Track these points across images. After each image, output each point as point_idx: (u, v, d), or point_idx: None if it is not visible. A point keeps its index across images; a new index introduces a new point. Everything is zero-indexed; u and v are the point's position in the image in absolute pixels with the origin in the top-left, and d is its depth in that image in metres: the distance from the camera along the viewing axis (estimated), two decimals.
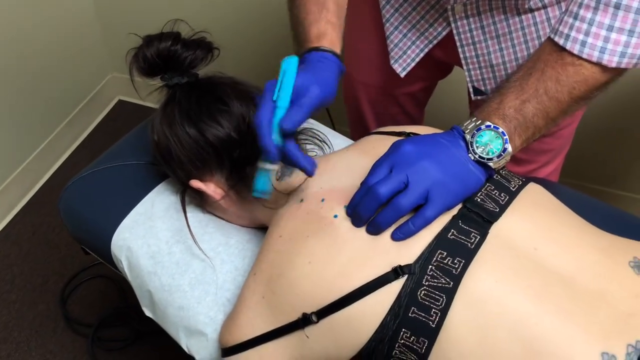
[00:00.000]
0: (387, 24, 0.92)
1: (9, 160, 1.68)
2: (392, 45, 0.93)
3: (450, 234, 0.63)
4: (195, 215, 0.84)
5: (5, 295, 1.50)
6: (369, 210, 0.62)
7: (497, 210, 0.66)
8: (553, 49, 0.64)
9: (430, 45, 0.90)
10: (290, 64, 0.63)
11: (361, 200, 0.63)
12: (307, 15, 0.74)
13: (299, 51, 0.74)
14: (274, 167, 0.64)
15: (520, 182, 0.71)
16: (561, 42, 0.63)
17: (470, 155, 0.65)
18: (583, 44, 0.61)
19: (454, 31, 0.85)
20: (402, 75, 0.95)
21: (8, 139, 1.65)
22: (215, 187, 0.79)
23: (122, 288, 1.50)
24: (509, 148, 0.64)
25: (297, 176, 0.75)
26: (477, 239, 0.62)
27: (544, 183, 0.76)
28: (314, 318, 0.62)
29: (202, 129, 0.76)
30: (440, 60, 0.96)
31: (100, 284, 1.53)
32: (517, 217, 0.66)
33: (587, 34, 0.61)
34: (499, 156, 0.64)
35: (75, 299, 1.50)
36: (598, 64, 0.62)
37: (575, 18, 0.62)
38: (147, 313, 0.83)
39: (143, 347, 1.41)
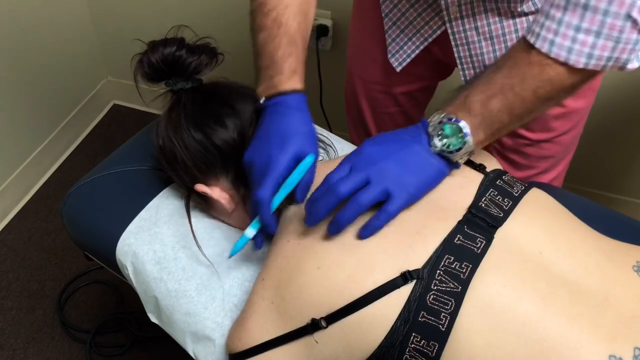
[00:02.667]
0: (386, 19, 0.93)
1: (4, 165, 1.67)
2: (389, 40, 0.95)
3: (457, 239, 0.64)
4: (200, 221, 0.84)
5: (1, 301, 1.49)
6: (327, 207, 0.64)
7: (502, 215, 0.67)
8: (523, 46, 0.63)
9: (426, 43, 0.91)
10: (309, 164, 0.69)
11: (320, 197, 0.64)
12: (279, 48, 0.74)
13: (266, 80, 0.74)
14: (251, 235, 0.71)
15: (523, 187, 0.72)
16: (532, 40, 0.62)
17: (432, 148, 0.67)
18: (552, 43, 0.60)
19: (449, 30, 0.86)
20: (398, 69, 0.97)
21: (3, 144, 1.64)
22: (221, 191, 0.79)
23: (119, 293, 1.50)
24: (470, 142, 0.66)
25: None
26: (483, 244, 0.63)
27: (547, 188, 0.77)
28: (323, 323, 0.62)
29: (207, 132, 0.76)
30: (439, 59, 0.97)
31: (98, 290, 1.52)
32: (522, 222, 0.67)
33: (556, 33, 0.59)
34: (458, 149, 0.66)
35: (72, 304, 1.49)
36: (565, 65, 0.61)
37: (547, 17, 0.60)
38: (153, 319, 0.83)
39: (141, 353, 1.40)
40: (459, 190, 0.70)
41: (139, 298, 0.84)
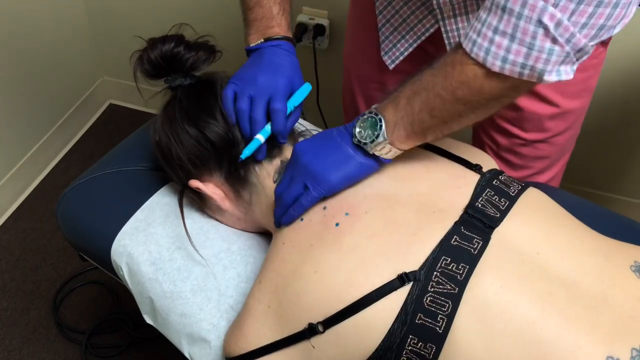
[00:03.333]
0: (380, 16, 0.93)
1: None
2: (383, 37, 0.94)
3: (454, 240, 0.63)
4: (196, 222, 0.84)
5: None
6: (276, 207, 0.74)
7: (498, 215, 0.66)
8: (455, 46, 0.62)
9: (419, 41, 0.91)
10: (307, 90, 0.80)
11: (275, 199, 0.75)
12: (275, 4, 0.81)
13: (263, 29, 0.81)
14: (262, 139, 0.76)
15: (520, 187, 0.71)
16: (461, 39, 0.61)
17: (352, 139, 0.69)
18: (474, 43, 0.59)
19: (442, 29, 0.85)
20: (391, 67, 0.96)
21: None
22: (214, 187, 0.79)
23: (115, 294, 1.49)
24: (383, 135, 0.66)
25: None
26: (480, 245, 0.63)
27: (544, 187, 0.76)
28: (320, 328, 0.62)
29: (201, 126, 0.77)
30: (434, 58, 0.97)
31: (93, 290, 1.51)
32: (518, 222, 0.67)
33: (478, 33, 0.58)
34: (372, 141, 0.67)
35: (67, 305, 1.48)
36: (482, 67, 0.59)
37: (476, 18, 0.59)
38: (148, 320, 0.82)
39: (137, 354, 1.39)
40: (455, 191, 0.70)
41: (134, 299, 0.84)
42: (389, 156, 0.69)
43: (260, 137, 0.75)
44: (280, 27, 0.81)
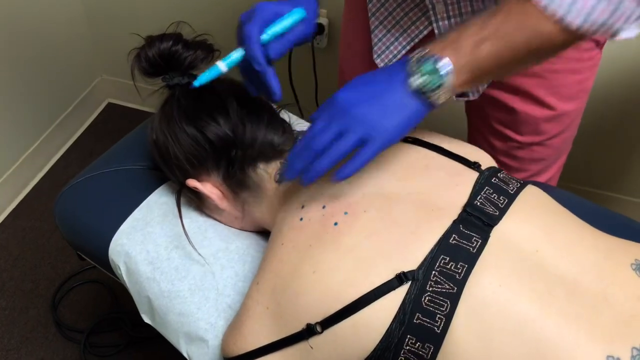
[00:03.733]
0: (373, 18, 0.92)
1: None
2: (375, 40, 0.93)
3: (452, 238, 0.63)
4: (194, 221, 0.84)
5: None
6: (303, 161, 0.64)
7: (497, 213, 0.66)
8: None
9: (412, 43, 0.90)
10: (298, 14, 0.69)
11: (298, 154, 0.65)
12: None
13: None
14: (224, 70, 0.69)
15: (519, 185, 0.71)
16: None
17: (407, 87, 0.63)
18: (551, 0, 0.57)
19: (436, 31, 0.85)
20: None
21: None
22: (212, 187, 0.79)
23: (114, 293, 1.49)
24: (449, 81, 0.61)
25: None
26: (479, 243, 0.63)
27: (542, 186, 0.76)
28: (318, 328, 0.62)
29: (199, 126, 0.76)
30: None
31: (92, 289, 1.51)
32: (518, 220, 0.66)
33: None
34: (437, 88, 0.62)
35: (66, 304, 1.48)
36: (559, 22, 0.57)
37: None
38: (146, 320, 0.82)
39: (136, 353, 1.39)
40: (454, 189, 0.69)
41: (133, 298, 0.83)
42: (441, 100, 0.63)
43: (221, 64, 0.69)
44: None
